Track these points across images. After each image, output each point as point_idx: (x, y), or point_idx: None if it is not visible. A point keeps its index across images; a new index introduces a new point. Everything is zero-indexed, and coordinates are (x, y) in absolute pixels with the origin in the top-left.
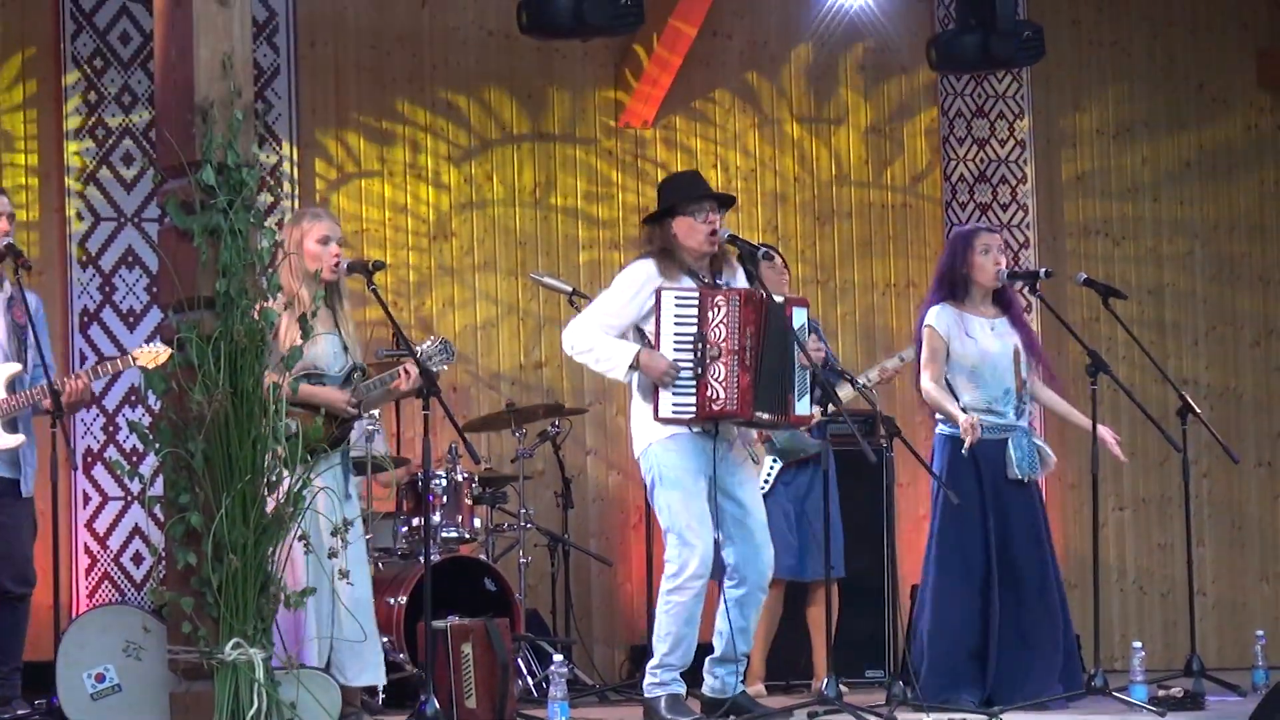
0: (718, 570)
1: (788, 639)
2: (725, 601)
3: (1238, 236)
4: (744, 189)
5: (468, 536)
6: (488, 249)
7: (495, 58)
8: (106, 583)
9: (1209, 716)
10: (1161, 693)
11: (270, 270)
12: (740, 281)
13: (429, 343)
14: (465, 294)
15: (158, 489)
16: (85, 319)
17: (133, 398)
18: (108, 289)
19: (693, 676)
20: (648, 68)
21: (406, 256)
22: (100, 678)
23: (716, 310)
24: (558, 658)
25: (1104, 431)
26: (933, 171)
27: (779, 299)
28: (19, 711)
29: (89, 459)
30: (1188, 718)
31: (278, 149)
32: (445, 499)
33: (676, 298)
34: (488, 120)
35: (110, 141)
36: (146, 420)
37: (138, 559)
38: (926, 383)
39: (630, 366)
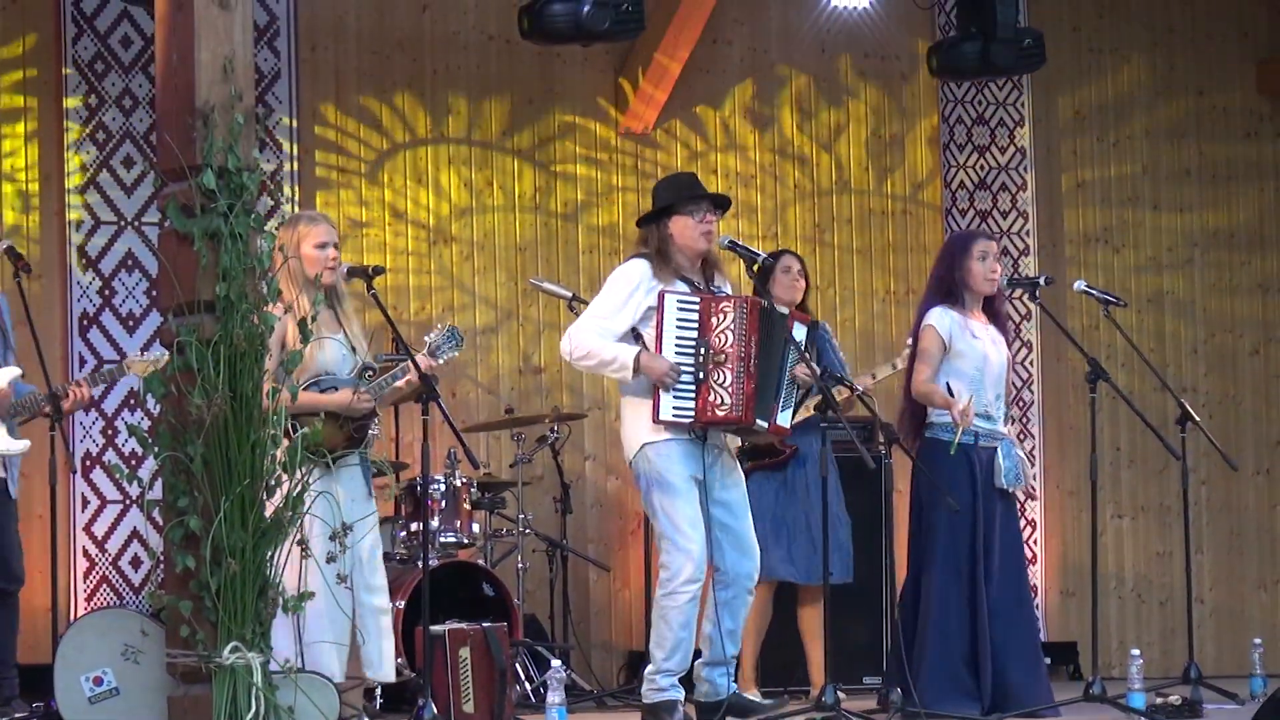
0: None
1: (779, 643)
2: (715, 605)
3: (1237, 245)
4: (744, 195)
5: (466, 541)
6: (487, 254)
7: (496, 63)
8: (105, 586)
9: None
10: (1159, 700)
11: (270, 275)
12: (729, 289)
13: (436, 332)
14: (464, 299)
15: (156, 492)
16: (85, 323)
17: (132, 401)
18: (107, 293)
19: (690, 681)
20: (648, 73)
21: (406, 261)
22: (98, 681)
23: (723, 316)
24: (555, 663)
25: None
26: (933, 179)
27: (783, 310)
28: (17, 714)
29: (88, 462)
30: None
31: (278, 153)
32: (444, 504)
33: (679, 301)
34: (488, 125)
35: (110, 145)
36: (146, 424)
37: (136, 562)
38: (917, 380)
39: (633, 368)
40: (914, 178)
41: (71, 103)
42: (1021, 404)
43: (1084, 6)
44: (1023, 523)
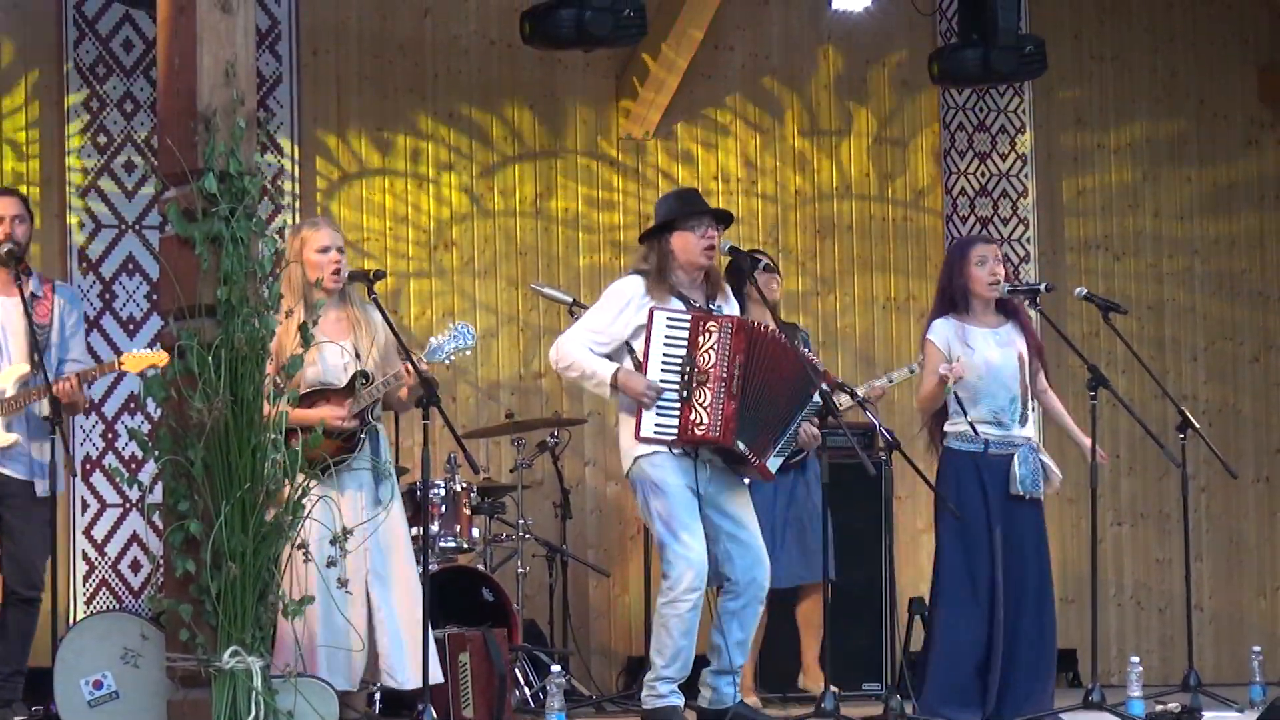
0: (712, 581)
1: (780, 650)
2: (722, 614)
3: (1238, 252)
4: (745, 201)
5: (466, 546)
6: (488, 258)
7: (497, 67)
8: (104, 590)
9: None
10: (1159, 708)
11: (271, 279)
12: (732, 307)
13: (446, 332)
14: (465, 303)
15: (157, 496)
16: (86, 326)
17: (132, 405)
18: (108, 296)
19: (690, 688)
20: (650, 78)
21: (407, 266)
22: (98, 684)
23: (707, 335)
24: (555, 668)
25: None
26: (934, 186)
27: (817, 364)
28: (18, 717)
29: (88, 465)
30: None
31: (280, 157)
32: (443, 509)
33: (668, 320)
34: (489, 129)
35: (112, 149)
36: (146, 427)
37: (136, 566)
38: (918, 394)
39: (610, 385)
40: (915, 184)
41: (73, 106)
42: None
43: (1085, 13)
44: None
